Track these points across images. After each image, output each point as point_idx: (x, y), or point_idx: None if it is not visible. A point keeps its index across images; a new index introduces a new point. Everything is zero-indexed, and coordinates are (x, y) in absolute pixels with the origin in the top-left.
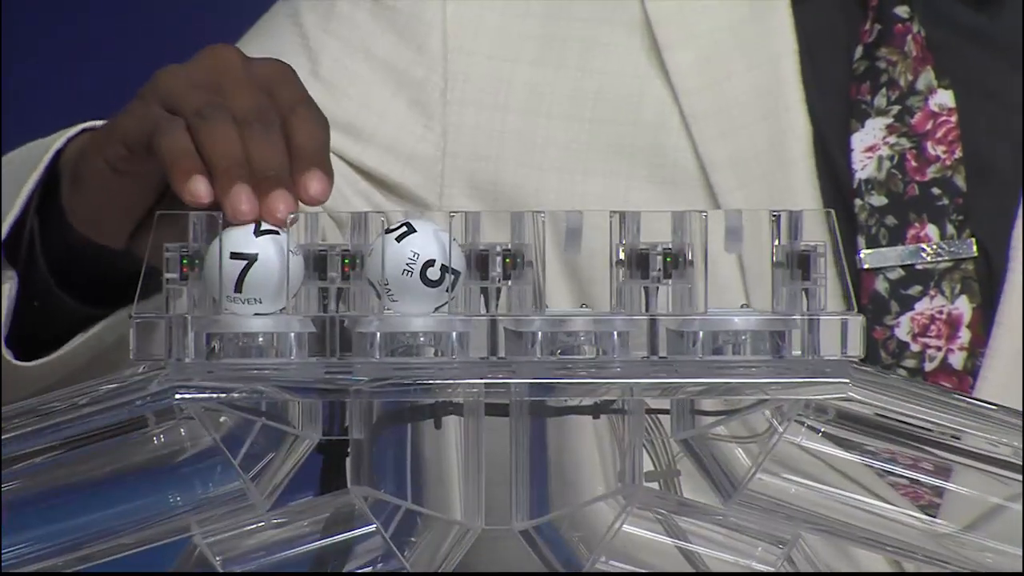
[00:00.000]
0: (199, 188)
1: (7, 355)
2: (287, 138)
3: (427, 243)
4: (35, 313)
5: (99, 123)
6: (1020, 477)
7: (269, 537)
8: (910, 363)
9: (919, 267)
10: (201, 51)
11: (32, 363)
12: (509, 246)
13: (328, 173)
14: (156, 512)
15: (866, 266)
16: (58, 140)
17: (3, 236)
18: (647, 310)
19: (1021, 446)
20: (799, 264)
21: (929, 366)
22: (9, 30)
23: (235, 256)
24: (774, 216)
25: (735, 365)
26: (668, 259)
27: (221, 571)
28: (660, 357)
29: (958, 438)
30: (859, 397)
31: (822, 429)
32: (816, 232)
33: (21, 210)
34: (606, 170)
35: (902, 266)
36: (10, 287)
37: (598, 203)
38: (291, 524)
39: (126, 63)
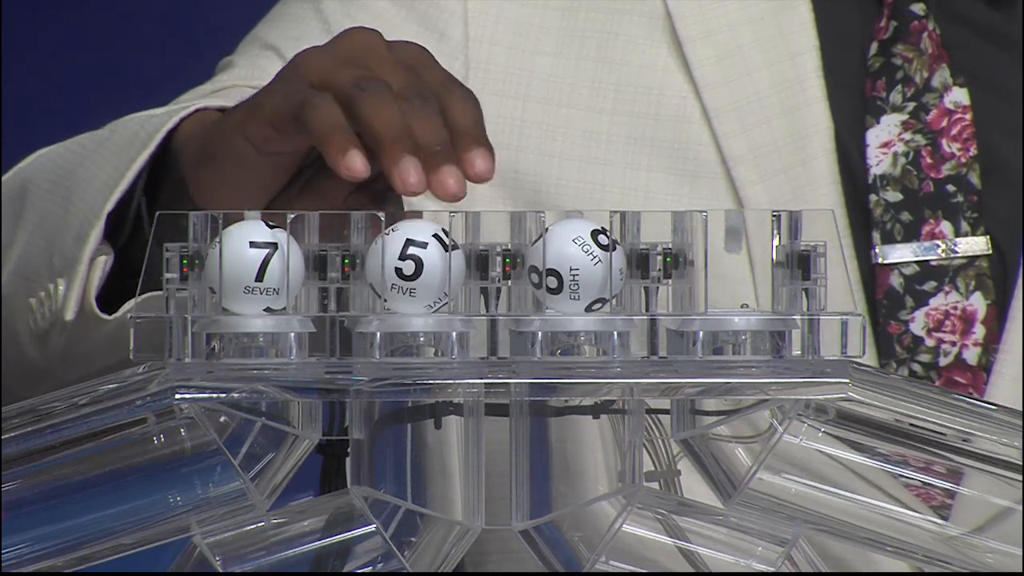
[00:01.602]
0: (356, 163)
1: (101, 314)
2: (444, 116)
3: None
4: (125, 289)
5: (212, 103)
6: (1021, 478)
7: (269, 537)
8: (925, 358)
9: (934, 263)
10: (340, 33)
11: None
12: (509, 246)
13: (490, 149)
14: (156, 512)
15: (881, 261)
16: (170, 120)
17: (108, 210)
18: (647, 310)
19: (1021, 446)
20: (799, 264)
21: (944, 361)
22: (9, 30)
23: (254, 245)
24: (774, 216)
25: (735, 365)
26: (668, 259)
27: (221, 571)
28: (660, 357)
29: (962, 439)
30: (859, 397)
31: (822, 429)
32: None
33: (127, 188)
34: (627, 161)
35: (917, 262)
36: (105, 261)
37: (619, 193)
38: (291, 524)
39: (126, 62)
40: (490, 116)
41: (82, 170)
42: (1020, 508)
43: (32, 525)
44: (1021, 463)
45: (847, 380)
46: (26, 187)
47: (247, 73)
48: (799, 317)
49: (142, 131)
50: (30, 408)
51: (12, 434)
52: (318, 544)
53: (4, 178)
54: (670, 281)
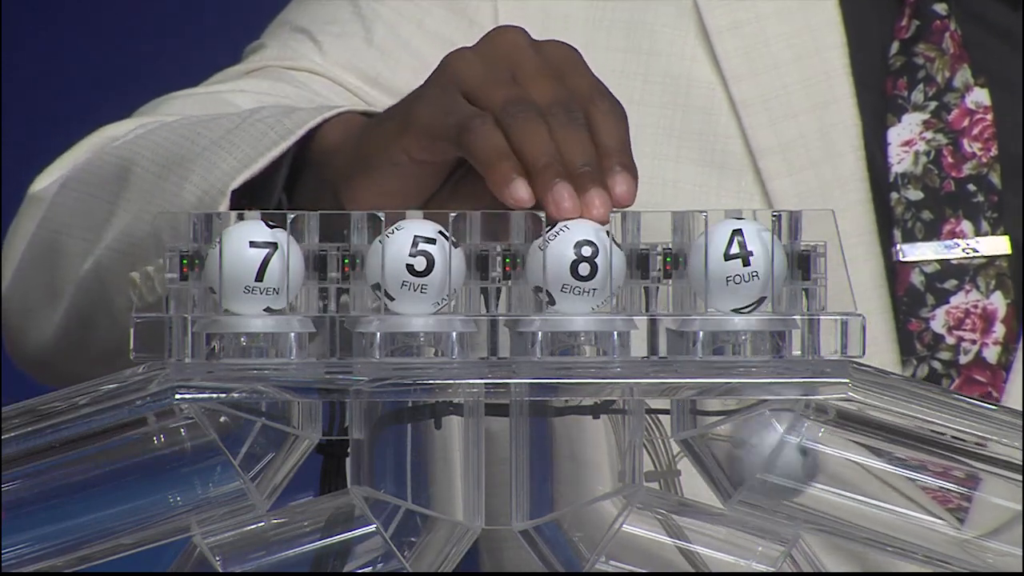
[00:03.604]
0: (521, 193)
1: None
2: (590, 131)
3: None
4: None
5: (357, 108)
6: (1020, 477)
7: (269, 537)
8: (945, 355)
9: (954, 262)
10: (488, 34)
11: None
12: (509, 246)
13: (633, 173)
14: (156, 512)
15: (902, 259)
16: (313, 119)
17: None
18: (647, 310)
19: (1021, 446)
20: (799, 264)
21: (964, 359)
22: (9, 30)
23: (254, 245)
24: (774, 216)
25: (735, 365)
26: (668, 259)
27: (221, 571)
28: (660, 357)
29: (961, 439)
30: (859, 397)
31: (822, 429)
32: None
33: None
34: (654, 152)
35: (938, 260)
36: None
37: (647, 184)
38: (291, 524)
39: (126, 62)
40: None
41: (206, 154)
42: (1021, 508)
43: (32, 525)
44: (1021, 463)
45: (847, 380)
46: (129, 167)
47: (279, 54)
48: (799, 317)
49: (279, 125)
50: (30, 408)
51: (12, 434)
52: (318, 544)
53: (91, 148)
54: (670, 281)
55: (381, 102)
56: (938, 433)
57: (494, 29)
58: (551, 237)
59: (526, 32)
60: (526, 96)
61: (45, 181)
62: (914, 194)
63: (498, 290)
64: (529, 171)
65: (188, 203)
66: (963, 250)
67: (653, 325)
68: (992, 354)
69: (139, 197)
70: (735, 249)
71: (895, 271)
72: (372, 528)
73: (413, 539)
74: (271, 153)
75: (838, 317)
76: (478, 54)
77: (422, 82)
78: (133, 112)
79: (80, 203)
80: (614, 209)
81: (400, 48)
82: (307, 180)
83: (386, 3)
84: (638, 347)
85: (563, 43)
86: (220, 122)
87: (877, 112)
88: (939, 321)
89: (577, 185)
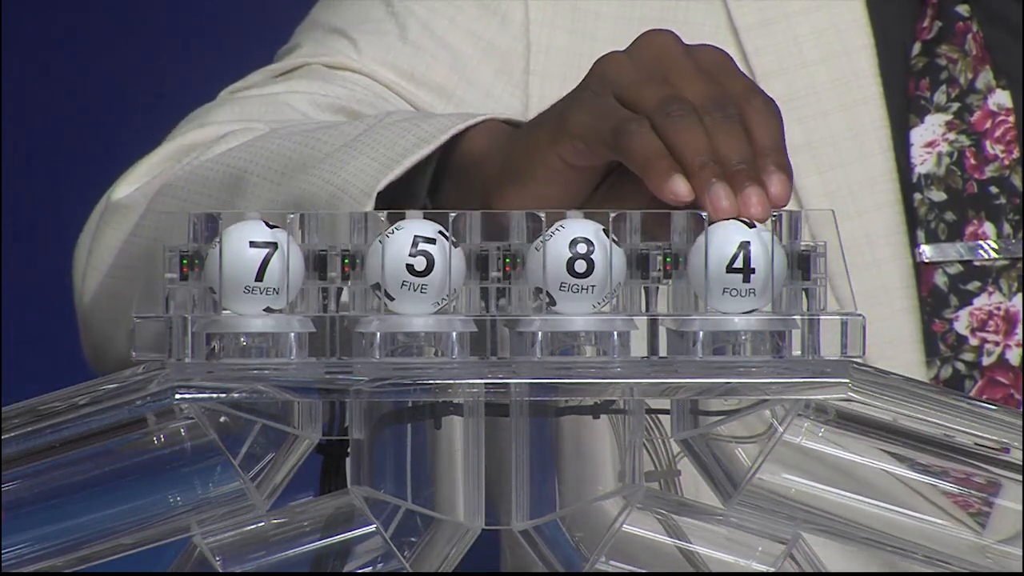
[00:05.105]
0: (680, 188)
1: None
2: (745, 129)
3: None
4: None
5: (497, 116)
6: (1020, 477)
7: (269, 537)
8: (968, 357)
9: (977, 264)
10: (639, 37)
11: None
12: (509, 246)
13: (789, 173)
14: (156, 512)
15: (926, 260)
16: (455, 126)
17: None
18: (647, 310)
19: (1021, 446)
20: (799, 264)
21: (987, 361)
22: (9, 30)
23: (254, 245)
24: (774, 216)
25: (735, 365)
26: (668, 259)
27: (221, 571)
28: (660, 357)
29: (961, 439)
30: (859, 397)
31: (822, 429)
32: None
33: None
34: None
35: (961, 261)
36: None
37: None
38: (291, 524)
39: (127, 61)
40: (551, 99)
41: (333, 156)
42: (1020, 508)
43: (32, 525)
44: (1021, 463)
45: (847, 380)
46: (241, 176)
47: (316, 50)
48: (799, 317)
49: (416, 129)
50: (30, 408)
51: (12, 434)
52: (318, 544)
53: (171, 156)
54: (670, 281)
55: (418, 98)
56: (939, 434)
57: (644, 32)
58: (547, 237)
59: (677, 35)
60: (680, 95)
61: (127, 188)
62: (937, 195)
63: (498, 290)
64: (686, 170)
65: (317, 198)
66: (985, 252)
67: (653, 325)
68: (1015, 356)
69: (256, 204)
70: (739, 264)
71: (919, 272)
72: (372, 528)
73: (413, 539)
74: (417, 154)
75: (838, 317)
76: (630, 57)
77: (457, 77)
78: (153, 116)
79: (183, 211)
80: (773, 211)
81: (435, 44)
82: (449, 188)
83: (419, 1)
84: (638, 347)
85: (714, 47)
86: (342, 129)
87: (900, 112)
88: (962, 322)
89: (734, 184)
